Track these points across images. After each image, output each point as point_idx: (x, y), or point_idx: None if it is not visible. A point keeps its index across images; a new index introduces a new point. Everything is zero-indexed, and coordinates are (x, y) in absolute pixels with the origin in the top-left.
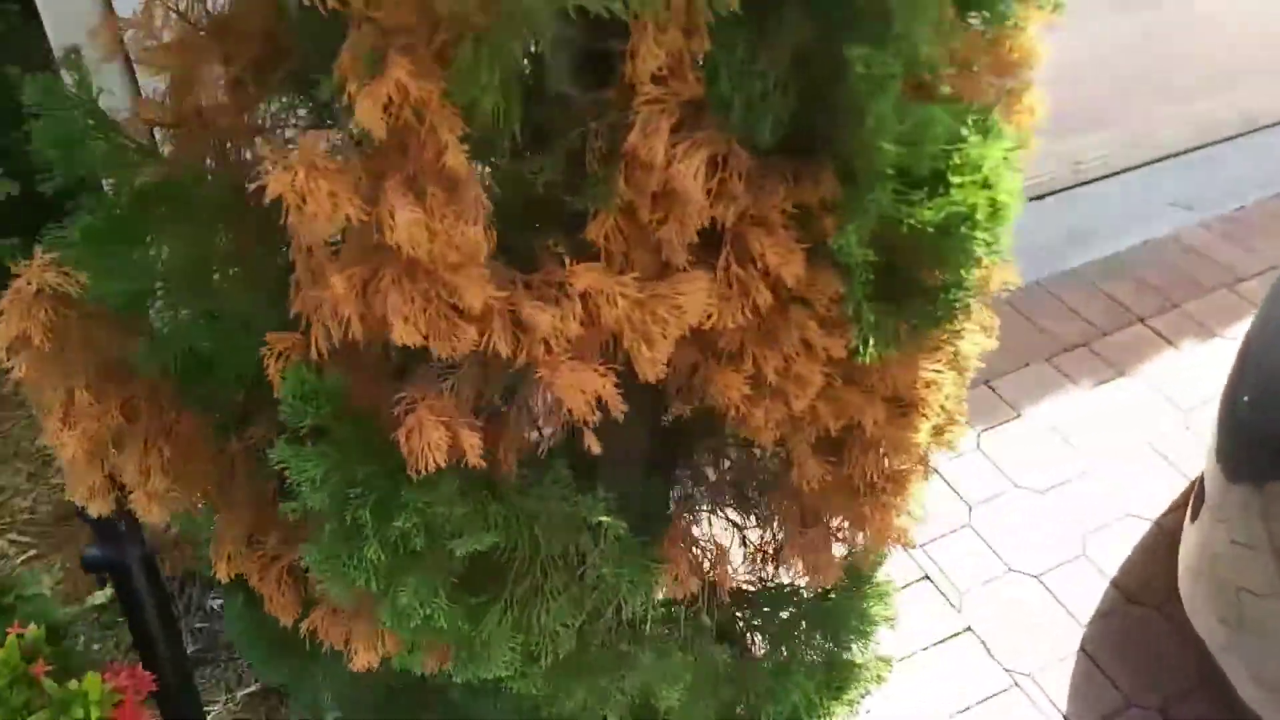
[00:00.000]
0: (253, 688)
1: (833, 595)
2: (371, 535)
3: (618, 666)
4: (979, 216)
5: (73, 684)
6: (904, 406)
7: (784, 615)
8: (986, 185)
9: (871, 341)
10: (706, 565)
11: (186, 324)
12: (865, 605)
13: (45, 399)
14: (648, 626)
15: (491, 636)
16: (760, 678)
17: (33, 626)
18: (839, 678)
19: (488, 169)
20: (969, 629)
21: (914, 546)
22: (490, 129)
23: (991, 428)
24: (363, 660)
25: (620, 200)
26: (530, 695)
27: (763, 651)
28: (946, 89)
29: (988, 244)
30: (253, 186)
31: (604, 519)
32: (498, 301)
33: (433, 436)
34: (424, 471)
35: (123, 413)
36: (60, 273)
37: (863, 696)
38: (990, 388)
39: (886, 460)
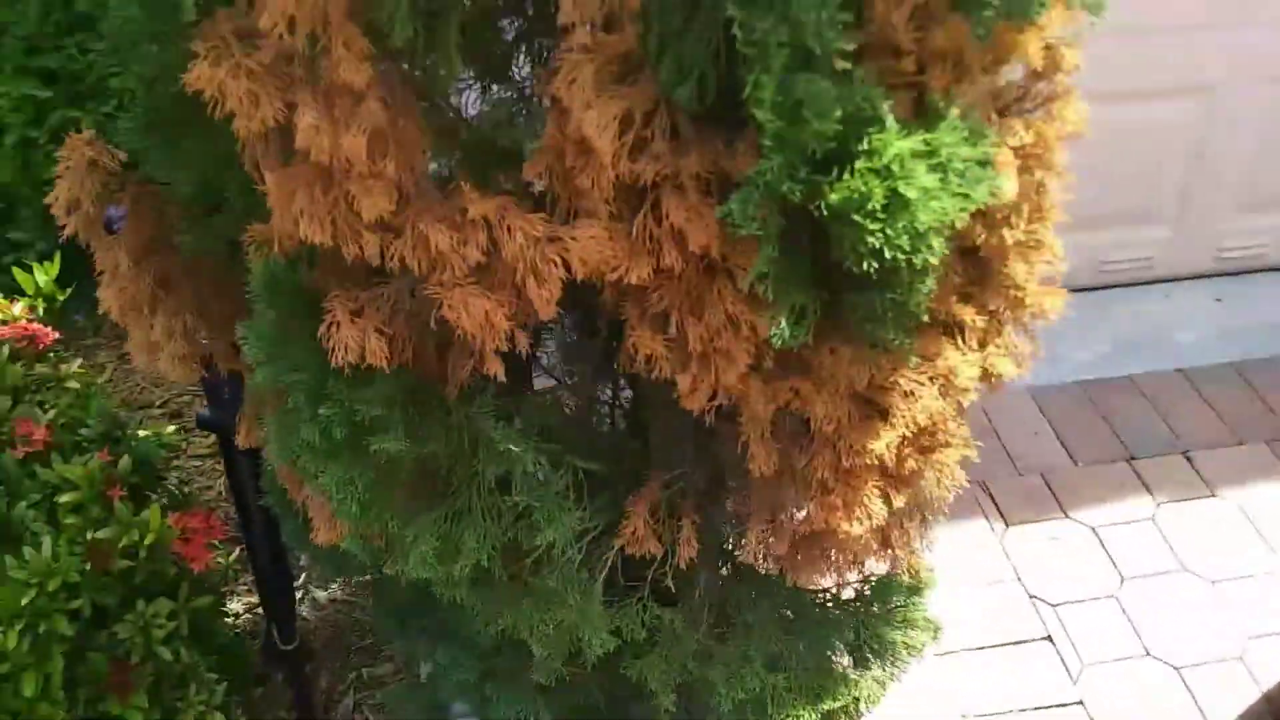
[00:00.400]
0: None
1: (829, 601)
2: (304, 419)
3: (542, 599)
4: (872, 206)
5: (143, 514)
6: (871, 410)
7: (757, 602)
8: (886, 175)
9: (782, 322)
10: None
11: (223, 216)
12: (874, 624)
13: (97, 260)
14: (575, 569)
15: (417, 538)
16: (719, 654)
17: (125, 459)
18: (818, 685)
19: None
20: (1080, 703)
21: (859, 563)
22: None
23: (1176, 501)
24: (323, 536)
25: (552, 144)
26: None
27: (722, 632)
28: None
29: (889, 239)
30: (183, 77)
31: (513, 448)
32: (403, 217)
33: (344, 335)
34: (344, 366)
35: (157, 281)
36: (103, 149)
37: (845, 712)
38: (1187, 458)
39: (842, 459)
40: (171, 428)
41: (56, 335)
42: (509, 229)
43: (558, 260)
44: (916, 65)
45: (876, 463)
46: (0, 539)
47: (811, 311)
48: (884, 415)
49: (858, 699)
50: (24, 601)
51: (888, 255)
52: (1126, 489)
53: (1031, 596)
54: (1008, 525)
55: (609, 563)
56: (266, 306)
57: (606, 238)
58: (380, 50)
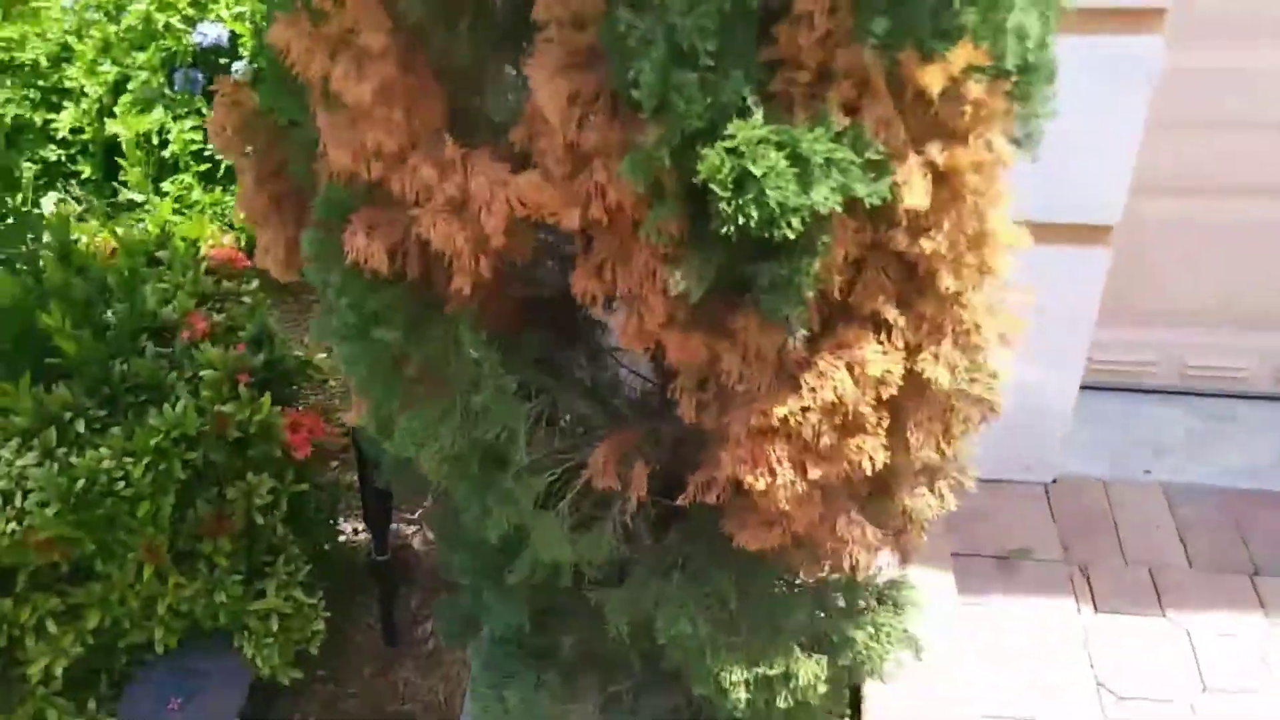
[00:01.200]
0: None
1: (790, 581)
2: (332, 310)
3: (502, 496)
4: (722, 177)
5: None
6: (785, 381)
7: (710, 560)
8: (736, 154)
9: (678, 276)
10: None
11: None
12: (836, 617)
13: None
14: (531, 475)
15: (404, 422)
16: (665, 596)
17: (261, 357)
18: (758, 652)
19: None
20: None
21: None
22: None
23: None
24: (351, 416)
25: (528, 114)
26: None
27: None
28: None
29: (739, 207)
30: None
31: (473, 352)
32: (410, 156)
33: (357, 242)
34: (363, 271)
35: (270, 200)
36: (246, 93)
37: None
38: None
39: (751, 419)
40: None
41: (250, 263)
42: (473, 170)
43: (504, 198)
44: (816, 78)
45: (780, 426)
46: (158, 399)
47: (706, 272)
48: (796, 388)
49: (793, 676)
50: (152, 442)
51: (740, 222)
52: (1240, 602)
53: (1099, 684)
54: (1096, 610)
55: (575, 488)
56: (318, 220)
57: (542, 184)
58: (400, 26)
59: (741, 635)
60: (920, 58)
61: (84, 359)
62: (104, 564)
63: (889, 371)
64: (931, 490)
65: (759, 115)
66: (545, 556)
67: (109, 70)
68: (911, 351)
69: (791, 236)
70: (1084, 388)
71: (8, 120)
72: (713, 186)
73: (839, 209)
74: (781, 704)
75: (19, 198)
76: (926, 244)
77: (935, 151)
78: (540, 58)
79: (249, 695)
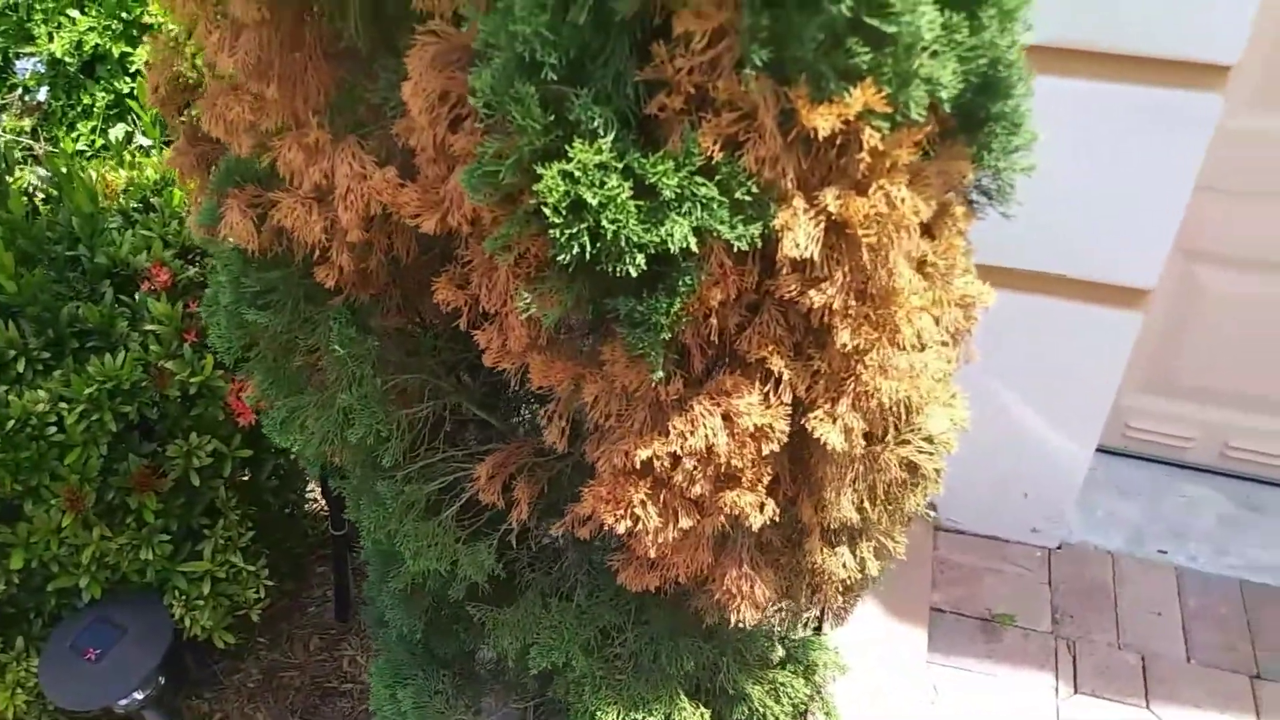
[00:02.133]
0: None
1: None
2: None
3: (372, 496)
4: (554, 201)
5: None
6: (656, 422)
7: (593, 595)
8: (571, 178)
9: (528, 297)
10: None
11: None
12: (731, 669)
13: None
14: (402, 483)
15: (276, 410)
16: (542, 616)
17: None
18: (635, 693)
19: None
20: None
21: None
22: None
23: None
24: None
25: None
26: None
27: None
28: None
29: (570, 235)
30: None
31: (338, 348)
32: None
33: (231, 219)
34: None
35: (198, 159)
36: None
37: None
38: None
39: (613, 457)
40: None
41: None
42: (339, 159)
43: (361, 192)
44: (693, 105)
45: (643, 468)
46: (106, 347)
47: (565, 299)
48: (666, 431)
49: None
50: (86, 391)
51: (576, 252)
52: (1232, 705)
53: None
54: (1075, 691)
55: (462, 500)
56: (213, 189)
57: (399, 184)
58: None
59: (626, 675)
60: (813, 97)
61: (26, 299)
62: (32, 507)
63: (769, 426)
64: (853, 552)
65: (608, 138)
66: (413, 566)
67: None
68: (807, 408)
69: (633, 274)
70: (1114, 454)
71: (88, 49)
72: (545, 211)
73: (716, 248)
74: None
75: (89, 125)
76: (816, 296)
77: (830, 199)
78: (417, 51)
79: (185, 654)
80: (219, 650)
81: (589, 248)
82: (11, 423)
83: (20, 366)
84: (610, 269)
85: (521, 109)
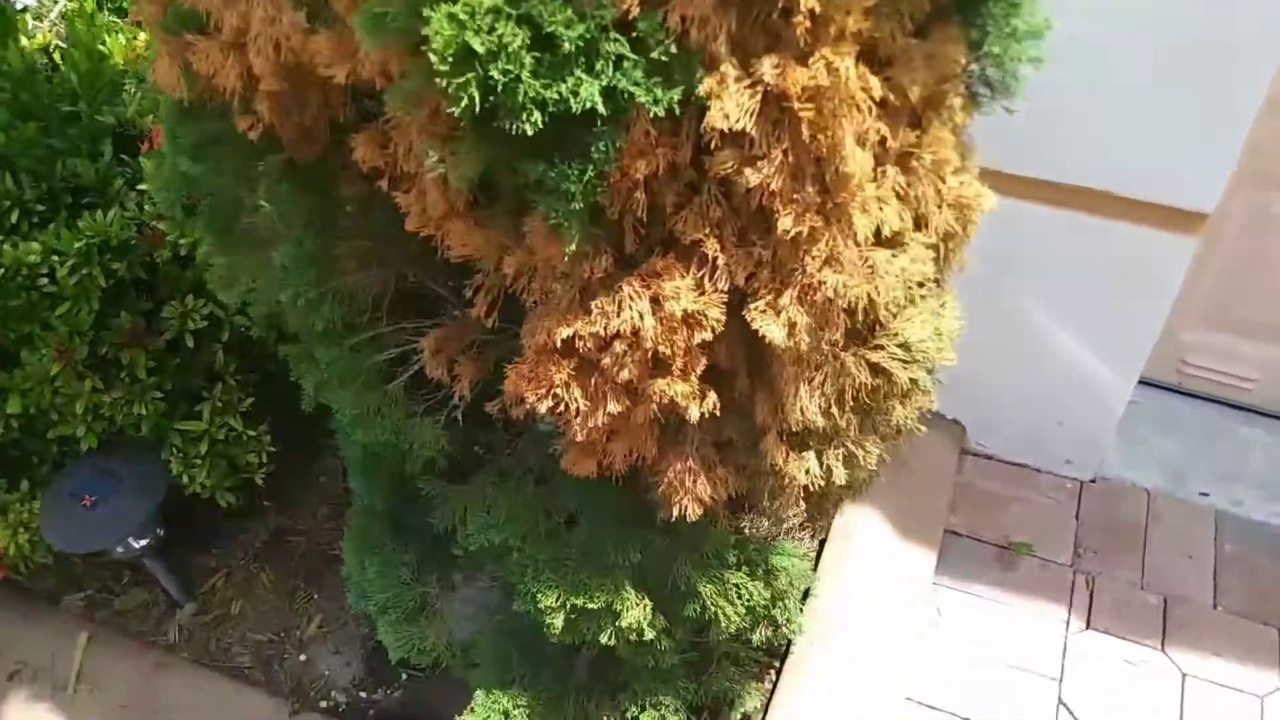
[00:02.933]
0: None
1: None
2: None
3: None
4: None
5: None
6: (581, 303)
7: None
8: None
9: (435, 158)
10: None
11: None
12: (687, 559)
13: None
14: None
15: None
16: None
17: None
18: (582, 581)
19: None
20: None
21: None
22: None
23: None
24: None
25: None
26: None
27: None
28: None
29: (460, 88)
30: None
31: (265, 204)
32: None
33: (157, 65)
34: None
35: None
36: None
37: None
38: None
39: (535, 334)
40: None
41: None
42: (257, 3)
43: (272, 38)
44: None
45: (564, 347)
46: (102, 204)
47: (475, 161)
48: (588, 310)
49: (616, 615)
50: (76, 245)
51: (464, 104)
52: (1255, 655)
53: (1061, 702)
54: (1088, 626)
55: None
56: (163, 35)
57: (308, 30)
58: None
59: (573, 560)
60: None
61: (17, 151)
62: (27, 355)
63: (700, 313)
64: (819, 459)
65: None
66: (354, 435)
67: None
68: (749, 298)
69: (529, 132)
70: (1167, 389)
71: None
72: (432, 59)
73: (640, 114)
74: (605, 639)
75: None
76: (751, 174)
77: (767, 67)
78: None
79: (195, 510)
80: (227, 510)
81: (479, 101)
82: (3, 271)
83: (14, 217)
84: (510, 127)
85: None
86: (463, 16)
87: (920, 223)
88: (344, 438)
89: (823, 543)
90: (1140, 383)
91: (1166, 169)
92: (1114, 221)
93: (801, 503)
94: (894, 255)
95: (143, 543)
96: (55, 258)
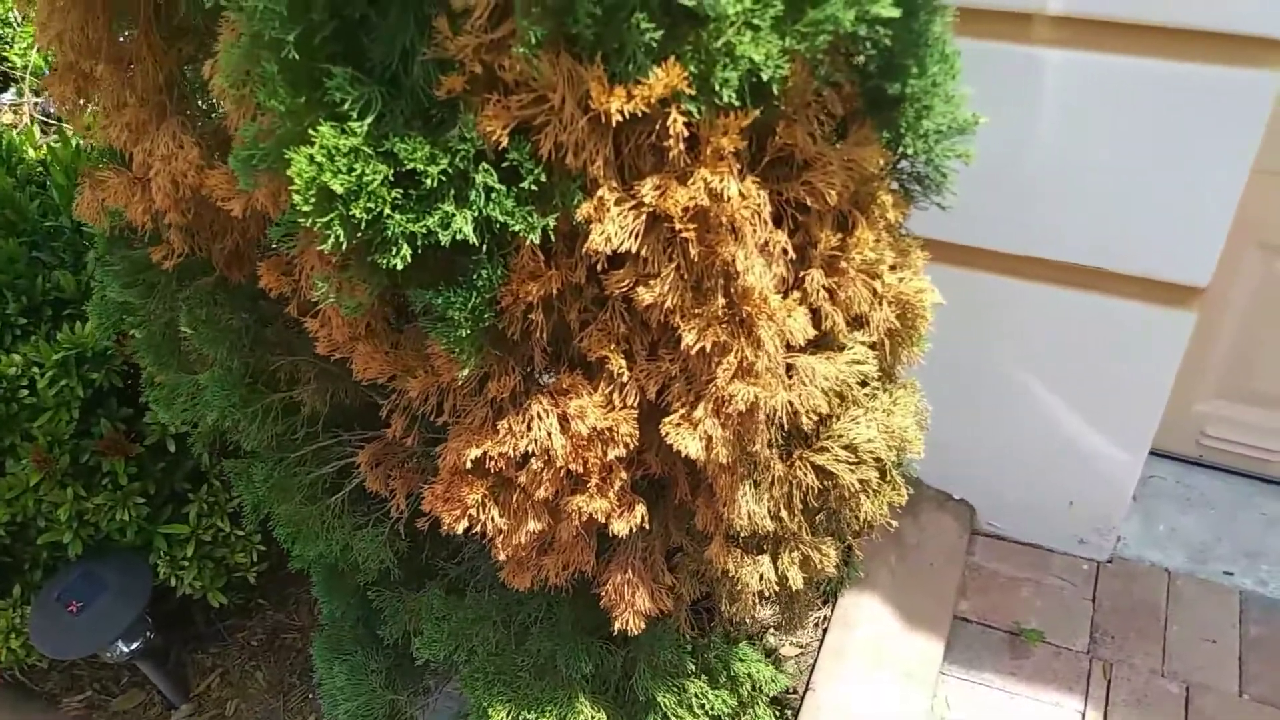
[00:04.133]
0: None
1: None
2: None
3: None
4: (297, 187)
5: None
6: (493, 421)
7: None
8: (315, 162)
9: (319, 284)
10: None
11: None
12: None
13: None
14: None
15: (156, 389)
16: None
17: None
18: (534, 692)
19: None
20: None
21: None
22: None
23: None
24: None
25: None
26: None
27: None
28: None
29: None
30: None
31: (185, 329)
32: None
33: (81, 197)
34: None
35: None
36: None
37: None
38: None
39: (448, 455)
40: None
41: None
42: (160, 140)
43: (169, 173)
44: (483, 86)
45: (475, 468)
46: (80, 315)
47: (370, 288)
48: (495, 430)
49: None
50: (55, 357)
51: (333, 243)
52: None
53: None
54: (1105, 717)
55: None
56: (85, 169)
57: (203, 166)
58: None
59: (526, 674)
60: (615, 77)
61: (3, 266)
62: (11, 465)
63: (611, 429)
64: (774, 563)
65: (366, 121)
66: (295, 549)
67: None
68: (663, 412)
69: (399, 266)
70: (1188, 463)
71: None
72: (295, 200)
73: (527, 240)
74: None
75: None
76: (645, 292)
77: (648, 189)
78: (227, 27)
79: (193, 610)
80: (222, 609)
81: (344, 238)
82: None
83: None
84: (383, 262)
85: (266, 89)
86: (320, 159)
87: (861, 322)
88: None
89: (826, 631)
90: (1160, 456)
91: (1156, 244)
92: (1110, 298)
93: (758, 608)
94: (829, 358)
95: (134, 645)
96: (35, 369)
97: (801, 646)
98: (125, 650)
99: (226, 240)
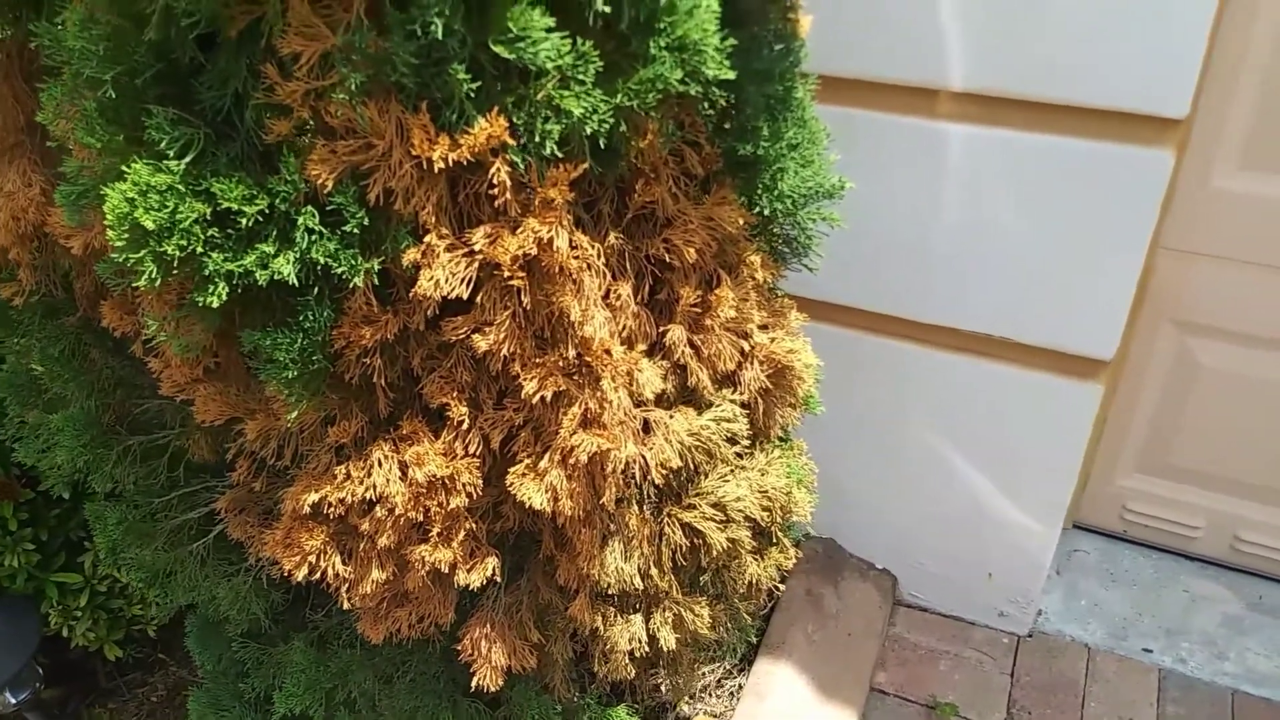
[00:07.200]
0: None
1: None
2: None
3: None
4: (109, 222)
5: None
6: (334, 467)
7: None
8: (126, 197)
9: (154, 326)
10: None
11: None
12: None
13: None
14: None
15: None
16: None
17: None
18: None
19: None
20: None
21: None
22: None
23: None
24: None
25: None
26: None
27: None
28: None
29: (127, 251)
30: None
31: (37, 368)
32: None
33: None
34: None
35: None
36: None
37: None
38: None
39: (288, 500)
40: None
41: None
42: (7, 178)
43: (8, 210)
44: (300, 130)
45: (313, 514)
46: None
47: (204, 328)
48: (334, 476)
49: None
50: None
51: (147, 278)
52: None
53: None
54: None
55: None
56: None
57: (44, 204)
58: None
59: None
60: (439, 126)
61: None
62: None
63: (451, 478)
64: (647, 620)
65: (184, 160)
66: (149, 596)
67: None
68: (507, 462)
69: (214, 305)
70: (1113, 538)
71: None
72: (110, 236)
73: (362, 284)
74: None
75: None
76: (481, 340)
77: (479, 237)
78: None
79: (95, 663)
80: (126, 663)
81: (157, 274)
82: None
83: None
84: (200, 301)
85: (85, 127)
86: (133, 195)
87: (731, 380)
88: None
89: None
90: (1085, 530)
91: (1060, 316)
92: (1018, 369)
93: (633, 668)
94: (690, 415)
95: (21, 696)
96: None
97: (716, 716)
98: (12, 701)
99: (85, 280)
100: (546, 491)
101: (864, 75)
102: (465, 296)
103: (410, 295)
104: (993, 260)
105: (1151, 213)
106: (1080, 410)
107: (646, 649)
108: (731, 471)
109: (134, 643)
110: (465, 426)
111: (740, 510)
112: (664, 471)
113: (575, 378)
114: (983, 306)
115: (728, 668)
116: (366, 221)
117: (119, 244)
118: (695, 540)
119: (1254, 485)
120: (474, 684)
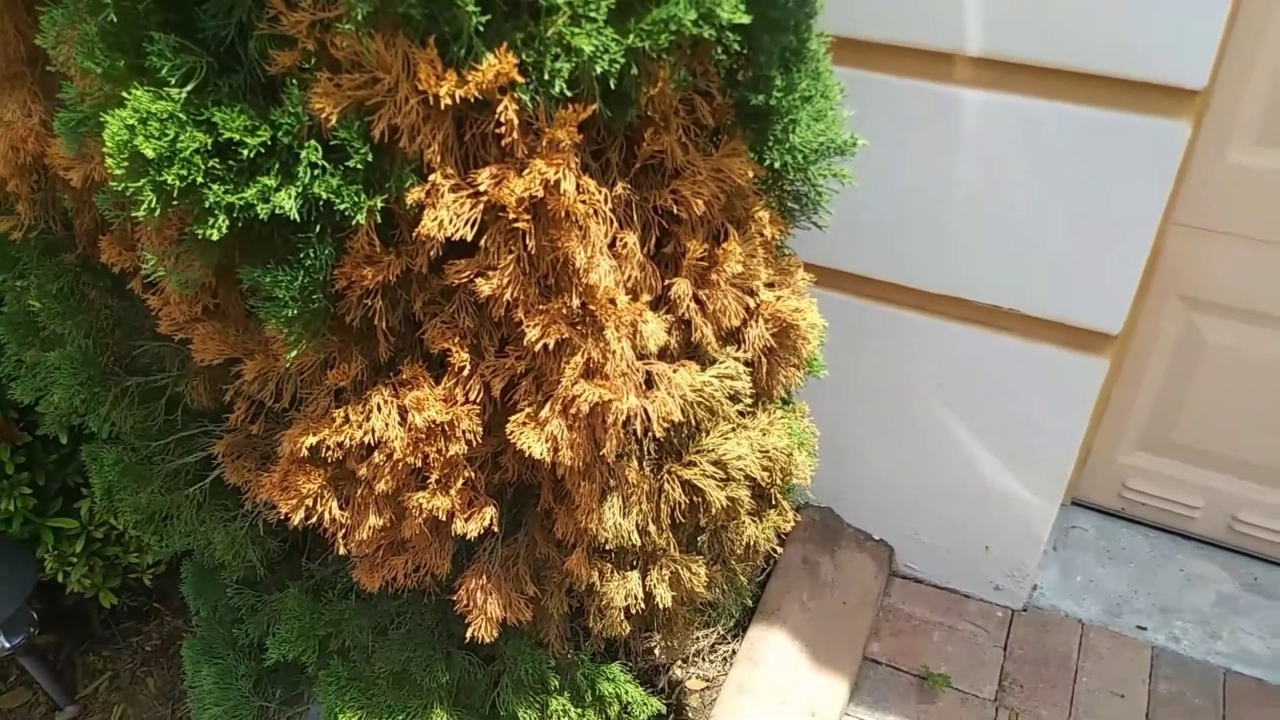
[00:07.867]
0: None
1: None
2: None
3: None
4: (109, 149)
5: None
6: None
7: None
8: (126, 124)
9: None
10: None
11: None
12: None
13: None
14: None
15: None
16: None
17: None
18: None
19: None
20: None
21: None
22: None
23: None
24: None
25: None
26: None
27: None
28: None
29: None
30: None
31: (34, 303)
32: None
33: None
34: None
35: None
36: None
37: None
38: None
39: (285, 442)
40: None
41: None
42: (7, 107)
43: (6, 139)
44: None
45: (311, 457)
46: None
47: (205, 264)
48: (333, 419)
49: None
50: None
51: (145, 208)
52: None
53: None
54: None
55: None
56: None
57: (43, 134)
58: None
59: (384, 680)
60: (446, 62)
61: None
62: None
63: (450, 424)
64: (644, 577)
65: (186, 88)
66: (146, 540)
67: None
68: (509, 410)
69: (215, 238)
70: (1111, 515)
71: None
72: (108, 164)
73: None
74: None
75: None
76: (484, 284)
77: (485, 177)
78: None
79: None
80: (120, 611)
81: (156, 204)
82: None
83: None
84: (200, 233)
85: (85, 51)
86: (133, 122)
87: (736, 337)
88: None
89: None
90: (1084, 507)
91: (1068, 288)
92: (1024, 340)
93: (625, 624)
94: (693, 369)
95: (15, 640)
96: None
97: (708, 680)
98: (6, 645)
99: (84, 218)
100: (546, 441)
101: (878, 38)
102: (469, 239)
103: (413, 236)
104: (1002, 230)
105: (1165, 186)
106: (1085, 384)
107: (642, 606)
108: (733, 430)
109: (129, 591)
110: (466, 373)
111: (741, 469)
112: (665, 425)
113: (579, 326)
114: (991, 276)
115: (721, 633)
116: (370, 158)
117: (118, 172)
118: (695, 498)
119: (1255, 465)
120: (468, 635)
